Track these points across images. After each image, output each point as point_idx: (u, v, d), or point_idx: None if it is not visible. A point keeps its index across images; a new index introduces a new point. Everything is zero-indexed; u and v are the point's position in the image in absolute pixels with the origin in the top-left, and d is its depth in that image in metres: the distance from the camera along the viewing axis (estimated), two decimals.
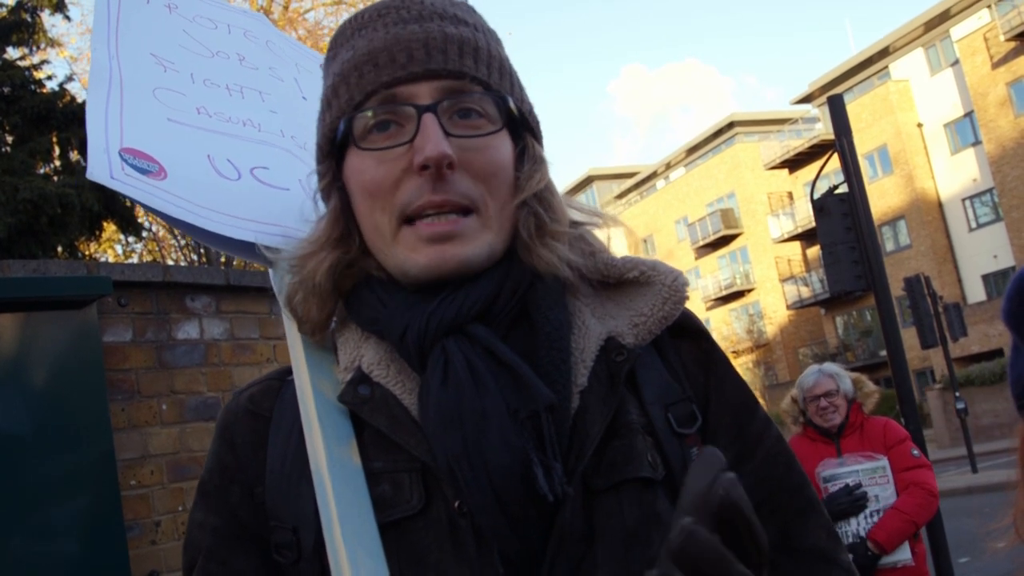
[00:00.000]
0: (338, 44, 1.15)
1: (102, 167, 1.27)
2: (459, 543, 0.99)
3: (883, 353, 31.28)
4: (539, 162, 1.13)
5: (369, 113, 1.06)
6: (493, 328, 1.06)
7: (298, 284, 1.14)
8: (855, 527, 4.37)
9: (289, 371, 1.19)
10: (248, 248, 1.32)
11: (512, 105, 1.10)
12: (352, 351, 1.12)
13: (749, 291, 45.53)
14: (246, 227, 1.31)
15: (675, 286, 1.11)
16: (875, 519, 4.36)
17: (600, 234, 1.19)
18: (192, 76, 1.58)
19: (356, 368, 1.10)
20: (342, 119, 1.09)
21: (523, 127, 1.14)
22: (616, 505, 1.02)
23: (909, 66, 36.63)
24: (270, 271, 1.44)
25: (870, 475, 4.43)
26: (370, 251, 1.12)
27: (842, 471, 4.48)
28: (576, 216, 1.17)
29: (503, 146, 1.09)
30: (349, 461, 1.06)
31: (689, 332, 1.19)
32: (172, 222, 1.29)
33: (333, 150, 1.12)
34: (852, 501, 4.37)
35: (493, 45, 1.14)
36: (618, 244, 1.22)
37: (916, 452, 4.58)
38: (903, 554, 4.36)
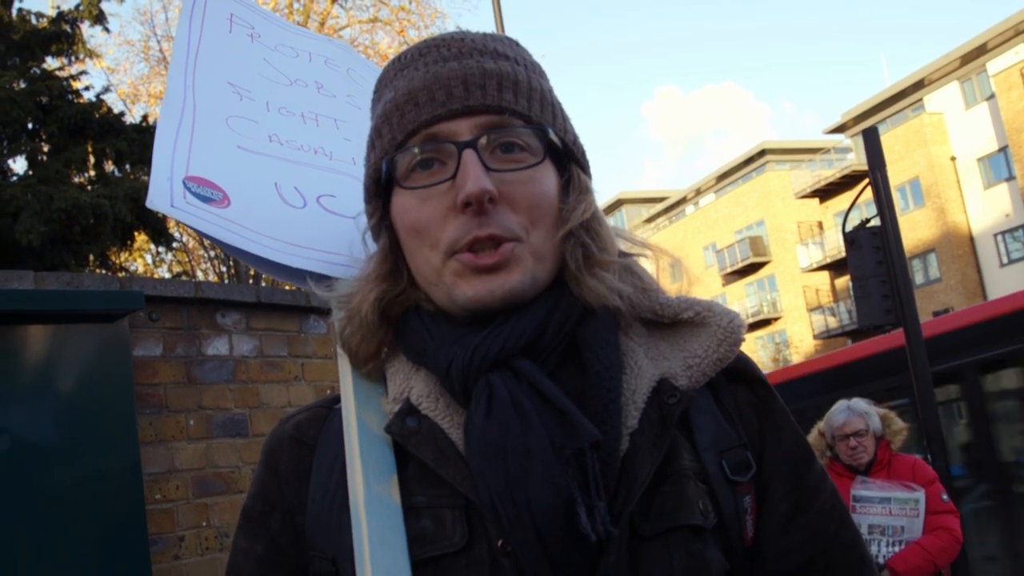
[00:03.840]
0: (382, 85, 1.17)
1: (163, 195, 1.28)
2: None
3: None
4: (584, 192, 1.13)
5: (414, 151, 1.07)
6: (541, 363, 1.04)
7: (346, 319, 1.14)
8: (875, 551, 4.34)
9: (338, 399, 1.19)
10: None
11: (553, 136, 1.09)
12: (402, 382, 1.11)
13: (776, 319, 45.22)
14: (308, 255, 1.31)
15: (731, 327, 1.10)
16: (896, 548, 4.34)
17: (648, 265, 1.18)
18: (268, 104, 1.59)
19: (404, 400, 1.09)
20: (384, 159, 1.09)
21: (567, 157, 1.13)
22: (664, 552, 1.00)
23: (944, 99, 36.36)
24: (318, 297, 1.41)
25: (901, 505, 4.41)
26: (419, 285, 1.12)
27: (874, 494, 4.46)
28: (624, 247, 1.16)
29: (546, 178, 1.09)
30: (388, 499, 1.04)
31: (746, 378, 1.17)
32: (231, 250, 1.29)
33: (379, 190, 1.13)
34: None
35: (534, 78, 1.13)
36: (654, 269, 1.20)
37: (946, 497, 4.55)
38: None
